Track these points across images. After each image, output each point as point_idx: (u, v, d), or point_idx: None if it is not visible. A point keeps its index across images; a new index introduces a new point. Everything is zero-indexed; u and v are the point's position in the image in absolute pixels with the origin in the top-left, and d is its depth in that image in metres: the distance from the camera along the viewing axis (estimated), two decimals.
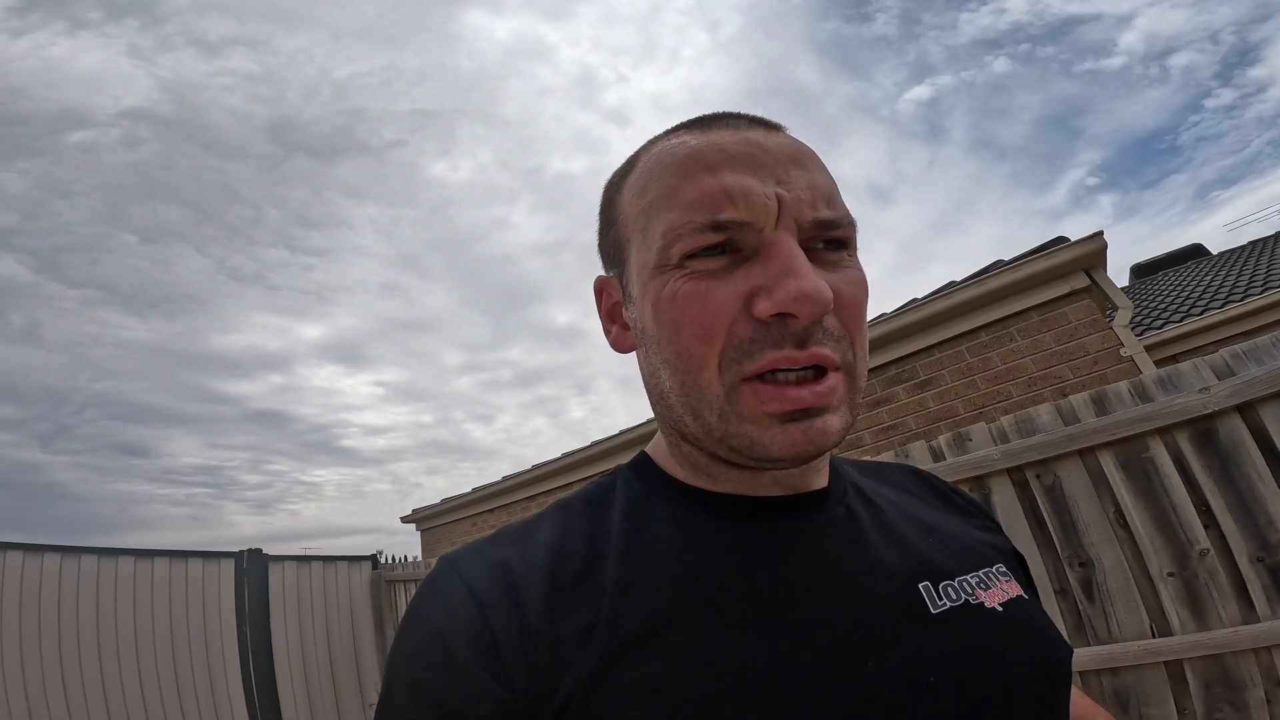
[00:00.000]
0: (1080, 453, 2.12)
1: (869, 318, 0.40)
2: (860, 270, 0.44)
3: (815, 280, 0.38)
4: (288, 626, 5.25)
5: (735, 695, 0.36)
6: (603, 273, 0.53)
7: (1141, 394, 2.05)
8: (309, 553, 5.72)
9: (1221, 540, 1.88)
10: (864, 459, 0.65)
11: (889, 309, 4.69)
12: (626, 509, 0.47)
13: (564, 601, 0.40)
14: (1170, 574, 1.94)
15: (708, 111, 0.49)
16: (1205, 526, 1.91)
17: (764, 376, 0.40)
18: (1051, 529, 2.14)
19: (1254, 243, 9.72)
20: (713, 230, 0.40)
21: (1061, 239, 3.79)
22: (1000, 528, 0.61)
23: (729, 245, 0.41)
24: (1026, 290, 3.82)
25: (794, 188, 0.41)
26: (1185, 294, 7.68)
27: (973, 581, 0.46)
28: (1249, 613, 1.83)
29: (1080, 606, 2.06)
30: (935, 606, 0.43)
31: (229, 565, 5.05)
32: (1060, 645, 0.48)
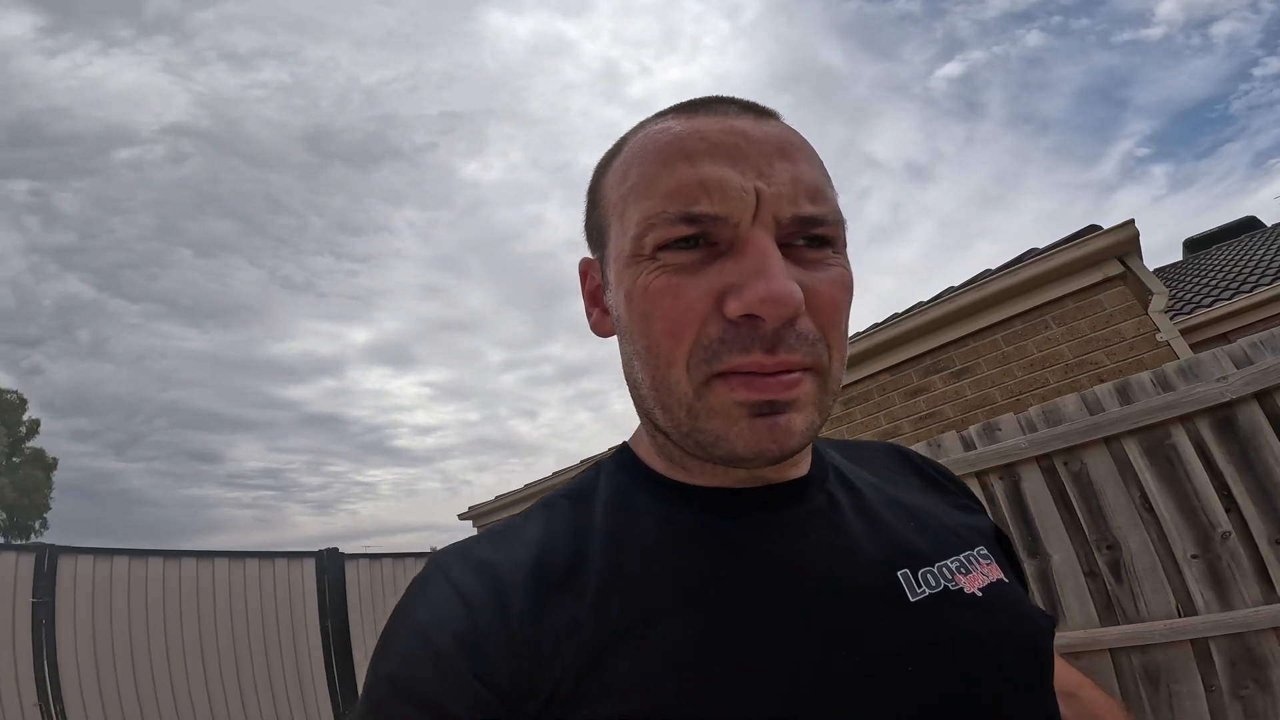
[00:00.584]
0: (1106, 440, 2.24)
1: (849, 320, 0.45)
2: (845, 269, 0.44)
3: (785, 283, 0.37)
4: (364, 619, 5.67)
5: (716, 691, 0.36)
6: (588, 254, 0.53)
7: (1163, 383, 2.17)
8: (369, 550, 6.15)
9: (1242, 523, 1.99)
10: (847, 439, 0.65)
11: (925, 298, 4.78)
12: (609, 504, 0.47)
13: (549, 600, 0.40)
14: (1194, 556, 2.05)
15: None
16: (1227, 510, 2.02)
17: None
18: (1079, 514, 2.27)
19: None
20: (685, 223, 0.40)
21: (1094, 227, 3.83)
22: (983, 508, 0.61)
23: (703, 238, 0.40)
24: (1060, 279, 3.87)
25: (775, 181, 0.40)
26: (1238, 269, 7.49)
27: (953, 566, 0.47)
28: (1269, 593, 1.93)
29: (1109, 587, 2.19)
30: (914, 594, 0.43)
31: (310, 564, 5.48)
32: (1041, 628, 0.48)
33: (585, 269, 0.53)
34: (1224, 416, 2.05)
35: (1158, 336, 3.46)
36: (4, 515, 20.17)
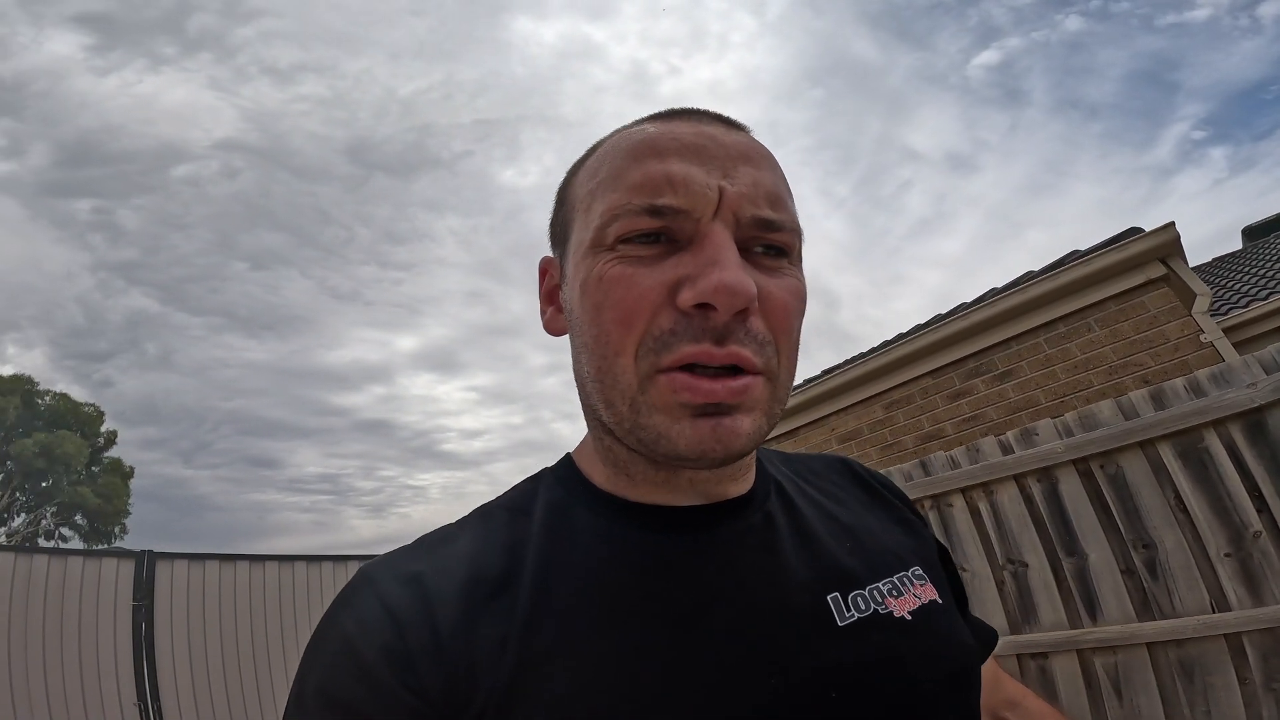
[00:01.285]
0: (1141, 444, 2.34)
1: (800, 331, 0.46)
2: (799, 281, 0.44)
3: (739, 274, 0.38)
4: None
5: (632, 710, 0.37)
6: (549, 254, 0.53)
7: (1196, 389, 2.26)
8: None
9: (1273, 523, 2.07)
10: (795, 452, 0.65)
11: (969, 296, 4.84)
12: (545, 519, 0.47)
13: (479, 613, 0.40)
14: (1227, 554, 2.14)
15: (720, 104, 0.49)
16: (1258, 510, 2.10)
17: (679, 368, 0.40)
18: (1116, 514, 2.37)
19: None
20: (649, 214, 0.40)
21: (1135, 229, 3.85)
22: (926, 521, 0.61)
23: (665, 234, 0.41)
24: (1102, 281, 3.91)
25: (739, 182, 0.41)
26: None
27: (884, 589, 0.47)
28: None
29: (1145, 584, 2.29)
30: (843, 618, 0.44)
31: None
32: (967, 650, 0.49)
33: (545, 267, 0.53)
34: (1255, 421, 2.14)
35: (1202, 338, 3.49)
36: (86, 522, 21.55)
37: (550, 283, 0.52)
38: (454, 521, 0.50)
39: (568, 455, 0.54)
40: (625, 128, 0.48)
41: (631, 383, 0.40)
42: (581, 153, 0.51)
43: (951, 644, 0.48)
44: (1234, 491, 2.15)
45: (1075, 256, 4.13)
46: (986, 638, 0.61)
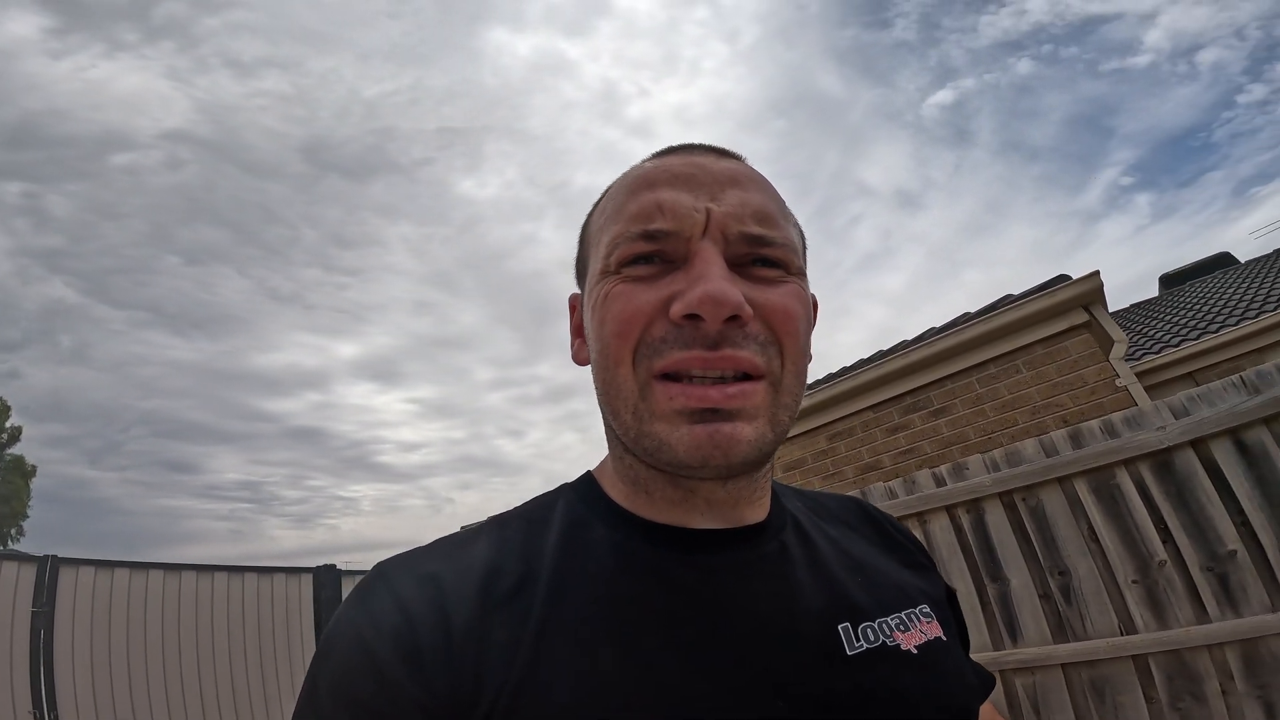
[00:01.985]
0: (1059, 480, 2.49)
1: (809, 336, 0.48)
2: (800, 287, 0.46)
3: (723, 284, 0.40)
4: None
5: None
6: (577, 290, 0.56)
7: (1110, 431, 2.43)
8: (350, 567, 6.26)
9: (1177, 553, 2.24)
10: (812, 489, 0.67)
11: (909, 335, 5.06)
12: (564, 529, 0.48)
13: (492, 616, 0.40)
14: (1135, 581, 2.30)
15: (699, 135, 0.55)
16: (1163, 541, 2.27)
17: (678, 377, 0.41)
18: (1035, 544, 2.51)
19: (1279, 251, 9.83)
20: (643, 239, 0.43)
21: (1063, 277, 4.14)
22: (934, 566, 0.62)
23: (660, 256, 0.44)
24: (1031, 326, 4.17)
25: (725, 203, 0.44)
26: (1208, 307, 7.75)
27: (893, 623, 0.48)
28: (1202, 614, 2.18)
29: (1060, 609, 2.42)
30: (852, 648, 0.44)
31: (307, 580, 5.60)
32: (972, 689, 0.51)
33: (572, 303, 0.57)
34: (1163, 461, 2.31)
35: (1117, 382, 3.75)
36: None
37: (576, 318, 0.56)
38: (470, 527, 0.51)
39: (588, 473, 0.56)
40: (631, 168, 0.52)
41: (632, 390, 0.42)
42: (592, 199, 0.55)
43: (955, 682, 0.49)
44: (1142, 524, 2.31)
45: (1008, 301, 4.39)
46: (985, 679, 0.62)
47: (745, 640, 0.42)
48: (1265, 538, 2.09)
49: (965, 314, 4.80)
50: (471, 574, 0.43)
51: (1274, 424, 2.13)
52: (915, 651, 0.47)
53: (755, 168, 0.50)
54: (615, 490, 0.51)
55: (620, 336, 0.43)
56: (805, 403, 5.09)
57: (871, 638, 0.46)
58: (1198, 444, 2.26)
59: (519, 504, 0.54)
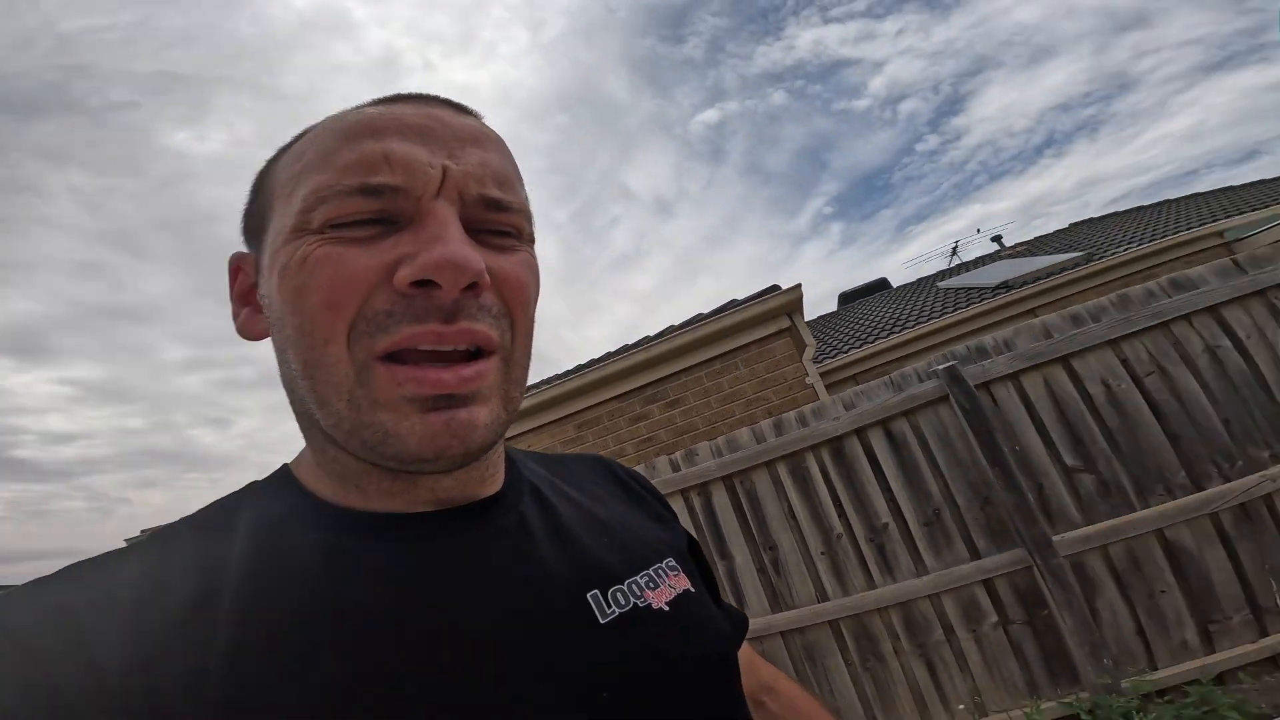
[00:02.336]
0: (767, 464, 2.92)
1: (536, 308, 0.44)
2: (532, 256, 0.43)
3: (463, 248, 0.36)
4: None
5: None
6: (243, 249, 0.47)
7: (802, 421, 2.91)
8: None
9: (849, 527, 2.78)
10: (553, 453, 0.64)
11: (652, 332, 5.46)
12: (253, 536, 0.40)
13: (161, 646, 0.33)
14: (822, 553, 2.80)
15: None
16: (840, 516, 2.80)
17: (403, 357, 0.36)
18: (751, 522, 2.91)
19: (921, 280, 12.88)
20: (361, 194, 0.37)
21: (775, 287, 4.84)
22: (676, 517, 0.62)
23: (382, 216, 0.37)
24: (748, 328, 4.81)
25: (464, 161, 0.39)
26: (870, 322, 9.94)
27: (642, 582, 0.47)
28: (870, 582, 2.73)
29: (772, 581, 2.85)
30: (604, 615, 0.43)
31: None
32: (724, 636, 0.50)
33: (237, 264, 0.46)
34: (837, 446, 2.85)
35: (806, 380, 4.53)
36: None
37: (244, 282, 0.45)
38: (113, 550, 0.40)
39: (284, 466, 0.47)
40: (341, 112, 0.43)
41: (347, 374, 0.36)
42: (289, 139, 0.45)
43: (710, 630, 0.49)
44: (825, 502, 2.82)
45: (733, 305, 5.00)
46: (738, 622, 0.62)
47: (494, 627, 0.38)
48: (908, 512, 2.71)
49: (699, 314, 5.35)
50: (120, 599, 0.35)
51: (912, 416, 2.76)
52: (667, 608, 0.46)
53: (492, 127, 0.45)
54: (320, 485, 0.44)
55: (331, 308, 0.36)
56: (555, 391, 5.20)
57: (622, 601, 0.44)
58: (860, 432, 2.82)
59: (190, 512, 0.45)
